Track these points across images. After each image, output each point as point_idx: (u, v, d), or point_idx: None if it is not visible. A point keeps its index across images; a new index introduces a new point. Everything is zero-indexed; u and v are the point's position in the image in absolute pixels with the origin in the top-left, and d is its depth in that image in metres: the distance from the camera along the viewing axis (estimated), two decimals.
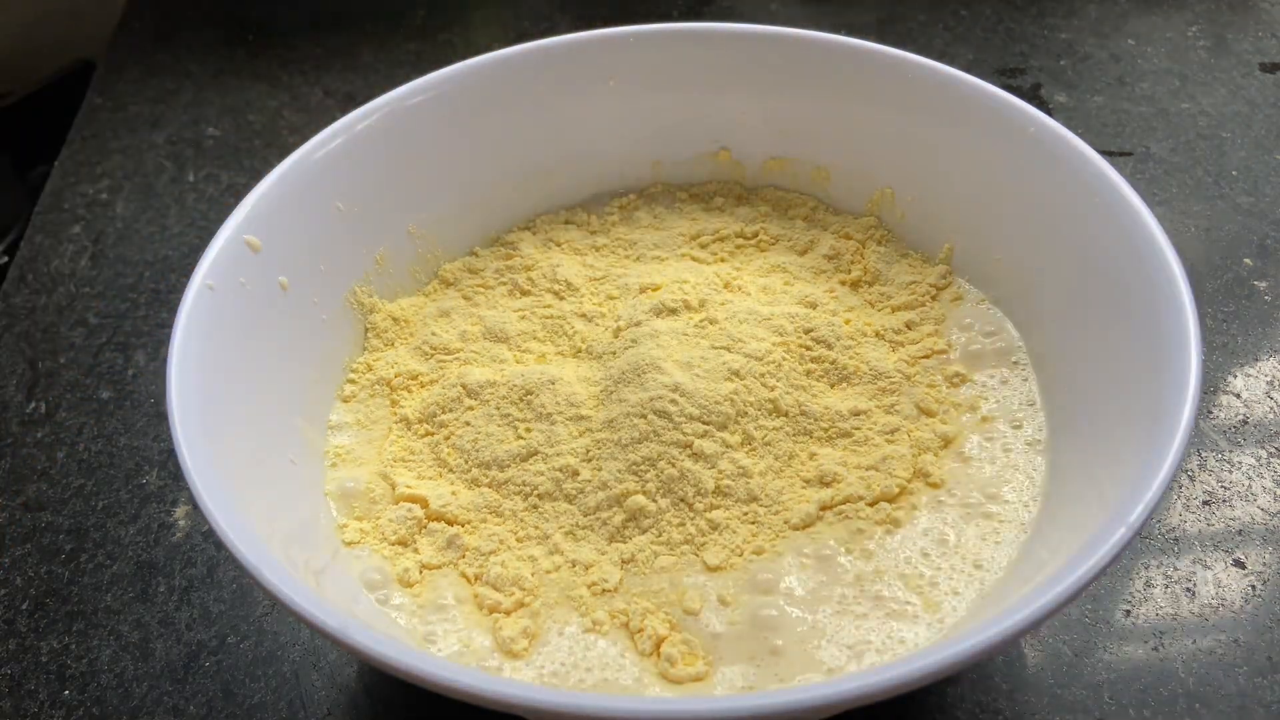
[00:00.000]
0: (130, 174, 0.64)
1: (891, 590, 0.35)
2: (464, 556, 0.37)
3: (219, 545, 0.43)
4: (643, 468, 0.38)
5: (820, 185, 0.50)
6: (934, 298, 0.45)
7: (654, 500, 0.37)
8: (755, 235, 0.49)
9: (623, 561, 0.36)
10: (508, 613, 0.36)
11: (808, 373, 0.41)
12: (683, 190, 0.52)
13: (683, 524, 0.37)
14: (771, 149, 0.51)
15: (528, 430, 0.40)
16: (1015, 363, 0.42)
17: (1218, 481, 0.45)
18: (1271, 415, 0.47)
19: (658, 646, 0.34)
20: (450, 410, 0.41)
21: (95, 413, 0.50)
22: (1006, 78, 0.67)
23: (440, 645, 0.35)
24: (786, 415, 0.40)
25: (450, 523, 0.38)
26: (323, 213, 0.43)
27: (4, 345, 0.54)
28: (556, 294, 0.46)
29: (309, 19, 0.76)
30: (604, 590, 0.36)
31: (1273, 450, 0.46)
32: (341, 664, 0.40)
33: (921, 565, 0.36)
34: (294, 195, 0.42)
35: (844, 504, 0.38)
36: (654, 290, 0.45)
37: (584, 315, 0.45)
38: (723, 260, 0.48)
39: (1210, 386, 0.48)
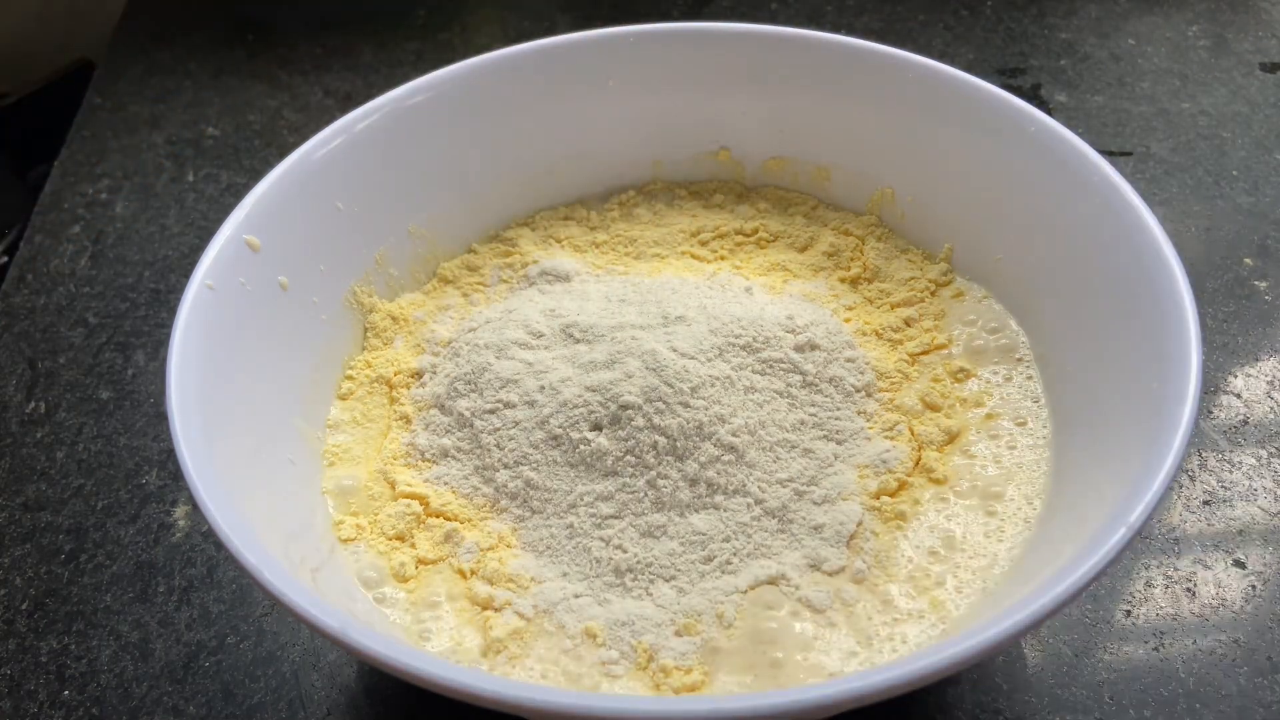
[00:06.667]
0: (130, 174, 0.64)
1: (896, 590, 0.35)
2: (460, 551, 0.37)
3: (219, 545, 0.43)
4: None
5: (820, 185, 0.50)
6: (933, 293, 0.46)
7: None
8: (755, 232, 0.49)
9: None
10: (499, 610, 0.36)
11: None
12: (682, 187, 0.52)
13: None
14: (771, 149, 0.51)
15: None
16: (1019, 359, 0.42)
17: (1218, 481, 0.45)
18: (1271, 415, 0.47)
19: (652, 655, 0.34)
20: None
21: (95, 413, 0.50)
22: (1006, 78, 0.67)
23: (433, 643, 0.35)
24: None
25: (449, 519, 0.38)
26: (323, 213, 0.43)
27: (4, 345, 0.54)
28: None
29: (309, 19, 0.76)
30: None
31: (1273, 450, 0.46)
32: (341, 664, 0.40)
33: (927, 563, 0.36)
34: (294, 195, 0.42)
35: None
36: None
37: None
38: (723, 258, 0.48)
39: (1210, 386, 0.48)
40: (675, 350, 0.40)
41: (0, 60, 0.81)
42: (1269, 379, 0.49)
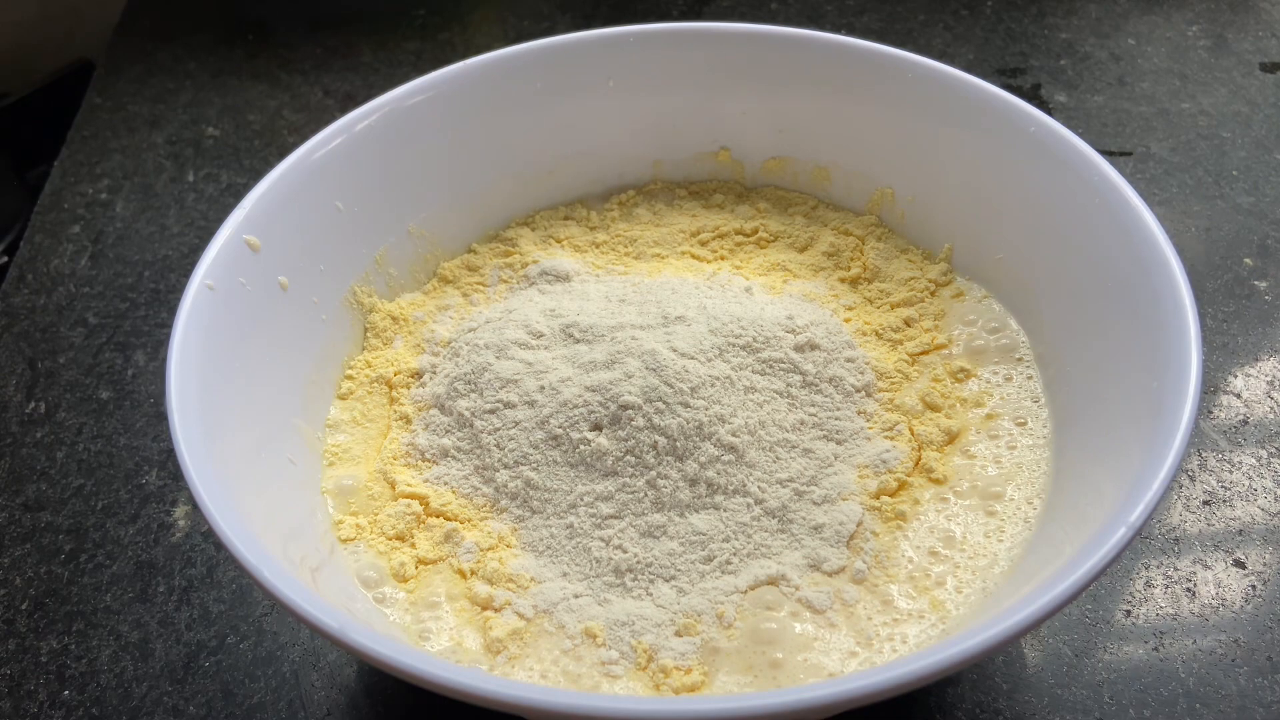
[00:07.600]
0: (130, 174, 0.64)
1: (896, 590, 0.35)
2: (460, 551, 0.37)
3: (218, 545, 0.43)
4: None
5: (820, 185, 0.50)
6: (933, 293, 0.46)
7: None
8: (755, 232, 0.49)
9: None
10: (499, 610, 0.36)
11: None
12: (682, 187, 0.52)
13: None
14: (771, 149, 0.51)
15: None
16: (1019, 359, 0.42)
17: (1218, 481, 0.45)
18: (1271, 415, 0.47)
19: (652, 655, 0.34)
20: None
21: (95, 413, 0.50)
22: (1006, 78, 0.67)
23: (433, 642, 0.35)
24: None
25: (449, 519, 0.38)
26: (323, 213, 0.43)
27: (4, 345, 0.54)
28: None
29: (309, 19, 0.76)
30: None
31: (1273, 450, 0.46)
32: (341, 664, 0.40)
33: (927, 563, 0.36)
34: (294, 195, 0.42)
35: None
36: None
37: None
38: (723, 258, 0.48)
39: (1210, 386, 0.48)
40: (675, 350, 0.40)
41: (0, 60, 0.81)
42: (1269, 379, 0.49)
